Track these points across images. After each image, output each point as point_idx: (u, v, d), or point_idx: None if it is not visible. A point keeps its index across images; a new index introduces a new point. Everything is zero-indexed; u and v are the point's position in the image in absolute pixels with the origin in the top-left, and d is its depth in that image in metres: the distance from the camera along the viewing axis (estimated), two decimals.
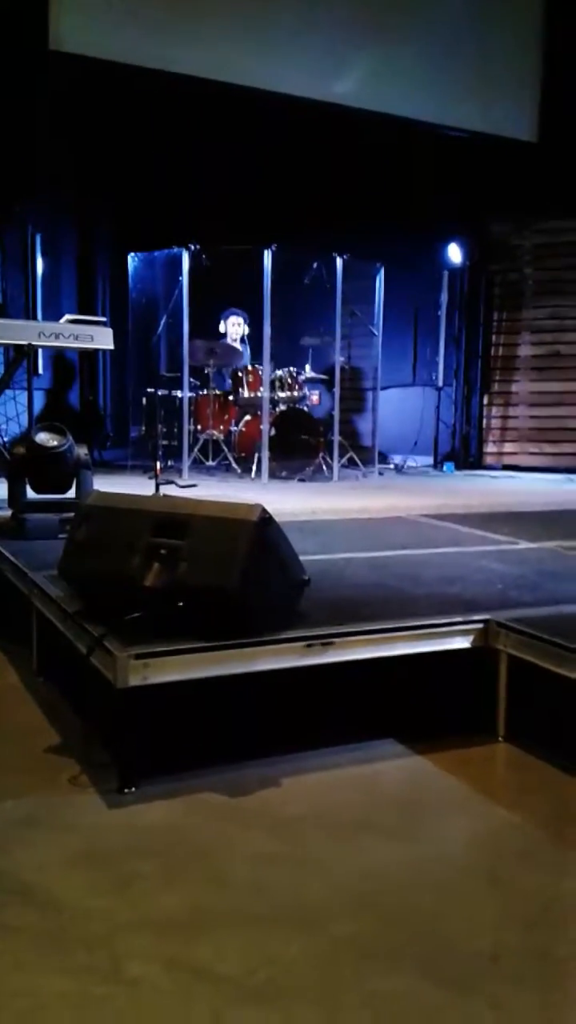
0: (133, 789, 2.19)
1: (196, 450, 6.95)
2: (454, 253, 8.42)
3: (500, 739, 2.53)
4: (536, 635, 2.43)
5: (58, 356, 8.03)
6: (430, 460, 8.40)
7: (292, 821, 2.09)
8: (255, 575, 2.32)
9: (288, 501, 5.24)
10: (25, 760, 2.41)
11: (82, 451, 4.09)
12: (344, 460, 7.24)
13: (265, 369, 6.68)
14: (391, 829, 2.08)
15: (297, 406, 6.97)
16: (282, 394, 6.91)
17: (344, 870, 1.89)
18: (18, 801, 2.16)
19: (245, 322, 7.46)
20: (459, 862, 1.96)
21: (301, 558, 2.60)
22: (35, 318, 7.20)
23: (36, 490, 4.08)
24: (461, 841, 2.07)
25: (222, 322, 7.48)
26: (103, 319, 5.13)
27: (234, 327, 7.47)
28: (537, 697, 2.52)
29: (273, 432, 6.62)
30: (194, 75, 7.02)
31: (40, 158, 7.22)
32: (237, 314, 7.47)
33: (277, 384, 6.90)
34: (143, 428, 7.24)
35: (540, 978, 1.56)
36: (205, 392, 7.00)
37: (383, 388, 7.98)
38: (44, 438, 3.95)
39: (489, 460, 8.56)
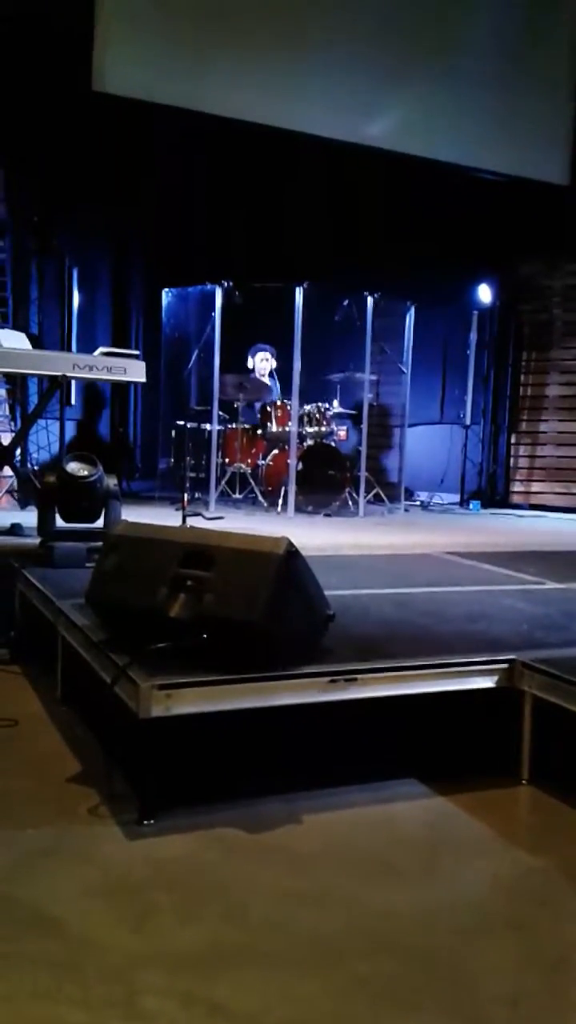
0: (152, 821, 2.19)
1: (223, 483, 7.00)
2: (484, 293, 8.47)
3: (524, 781, 2.50)
4: (562, 677, 2.41)
5: (90, 387, 8.13)
6: (456, 498, 8.38)
7: (311, 858, 2.08)
8: (280, 608, 2.32)
9: (314, 535, 5.24)
10: (45, 789, 2.42)
11: (111, 481, 4.14)
12: (370, 496, 7.25)
13: (294, 404, 6.73)
14: (411, 870, 2.06)
15: (324, 441, 7.00)
16: (310, 429, 6.95)
17: (363, 909, 1.87)
18: (38, 831, 2.16)
19: (273, 357, 7.53)
20: (479, 905, 1.93)
21: (326, 593, 2.60)
22: (69, 350, 7.32)
23: (65, 519, 4.13)
24: (482, 884, 2.04)
25: (250, 358, 7.55)
26: (136, 352, 5.18)
27: (262, 362, 7.53)
28: (562, 740, 2.49)
29: (300, 466, 6.65)
30: (229, 116, 7.18)
31: (79, 195, 7.39)
32: (265, 349, 7.53)
33: (305, 419, 6.94)
34: (171, 460, 7.30)
35: (560, 1023, 1.54)
36: (234, 426, 7.05)
37: (411, 425, 8.00)
38: (75, 468, 4.01)
39: (516, 499, 8.53)
